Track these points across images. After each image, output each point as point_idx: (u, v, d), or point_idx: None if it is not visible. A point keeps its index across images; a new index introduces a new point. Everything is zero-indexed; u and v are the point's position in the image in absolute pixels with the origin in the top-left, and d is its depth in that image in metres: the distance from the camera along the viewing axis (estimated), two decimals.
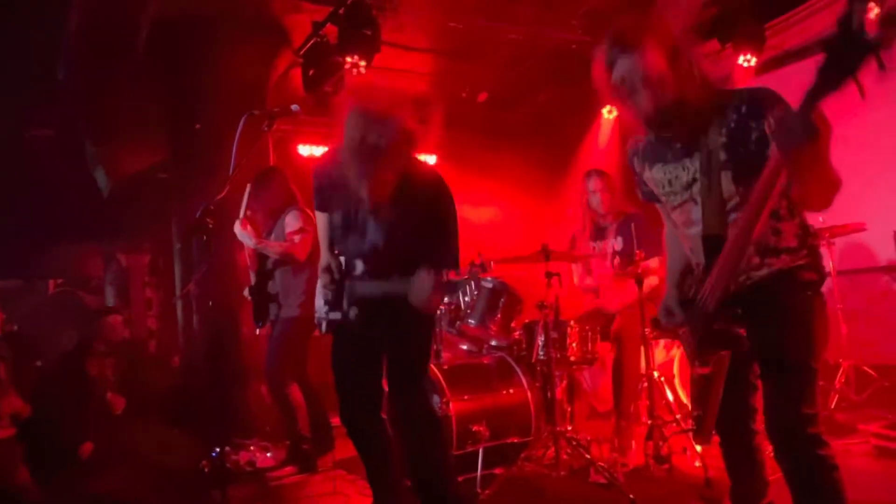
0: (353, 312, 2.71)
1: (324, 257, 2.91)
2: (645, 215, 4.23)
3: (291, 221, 4.19)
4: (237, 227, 4.11)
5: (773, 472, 2.15)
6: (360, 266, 2.72)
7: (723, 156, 1.91)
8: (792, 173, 1.72)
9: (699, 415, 2.05)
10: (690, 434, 2.53)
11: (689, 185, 2.02)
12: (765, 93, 1.89)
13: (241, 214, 4.14)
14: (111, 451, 4.35)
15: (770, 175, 1.70)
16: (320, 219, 2.93)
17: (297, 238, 4.13)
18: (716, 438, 2.25)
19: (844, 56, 1.41)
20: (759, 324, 1.94)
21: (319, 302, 2.90)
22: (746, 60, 5.32)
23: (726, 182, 1.92)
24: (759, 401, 2.11)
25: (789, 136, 1.58)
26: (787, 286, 1.94)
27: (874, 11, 4.64)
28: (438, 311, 4.10)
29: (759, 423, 2.14)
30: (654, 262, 4.02)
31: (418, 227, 2.63)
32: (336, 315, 2.78)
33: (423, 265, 2.45)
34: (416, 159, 2.78)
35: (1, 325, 5.04)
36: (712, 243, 1.92)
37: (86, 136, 6.99)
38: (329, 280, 2.82)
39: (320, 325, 2.88)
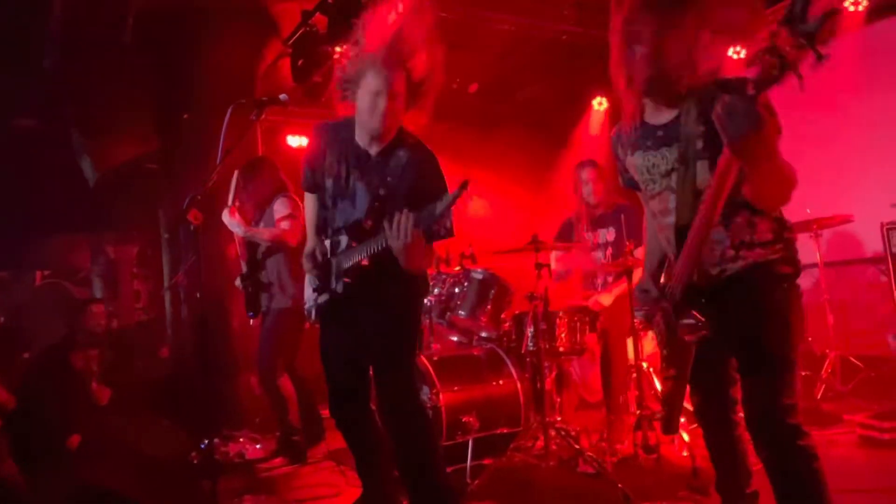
0: (339, 286, 2.70)
1: (310, 242, 2.89)
2: (636, 207, 4.24)
3: (280, 208, 4.18)
4: (225, 216, 4.08)
5: (757, 463, 2.17)
6: (344, 240, 2.71)
7: (700, 144, 1.92)
8: (742, 165, 1.74)
9: (667, 413, 2.11)
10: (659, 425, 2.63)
11: (667, 174, 2.03)
12: (743, 85, 1.89)
13: (230, 202, 4.11)
14: (100, 443, 4.33)
15: (725, 165, 1.73)
16: (309, 201, 2.91)
17: (285, 224, 4.11)
18: (700, 430, 2.27)
19: (785, 46, 1.45)
20: (735, 317, 1.95)
21: (308, 291, 2.89)
22: (736, 52, 5.33)
23: (702, 171, 1.93)
24: (738, 392, 2.12)
25: (733, 124, 1.60)
26: (762, 279, 1.95)
27: (862, 5, 4.68)
28: (429, 302, 4.10)
29: (741, 414, 2.16)
30: (640, 253, 4.04)
31: (405, 195, 2.59)
32: (324, 297, 2.77)
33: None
34: (408, 132, 2.74)
35: None
36: (684, 233, 1.93)
37: (72, 125, 6.92)
38: (314, 264, 2.80)
39: (310, 313, 2.87)
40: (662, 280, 2.16)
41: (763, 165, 1.72)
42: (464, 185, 2.20)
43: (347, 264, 2.66)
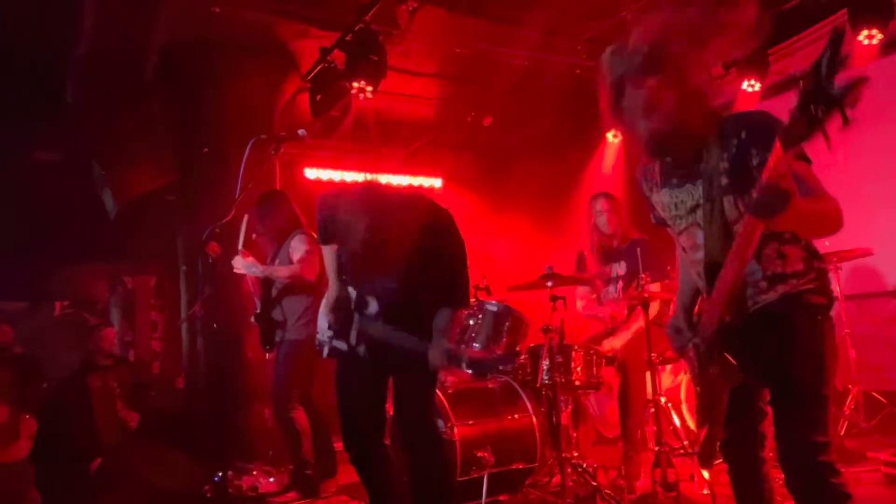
0: (362, 349, 2.71)
1: (333, 288, 2.90)
2: (651, 241, 4.22)
3: (297, 245, 4.19)
4: (238, 261, 4.03)
5: (783, 501, 2.12)
6: (373, 305, 2.72)
7: (724, 181, 1.92)
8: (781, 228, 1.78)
9: (706, 446, 2.06)
10: (696, 457, 2.55)
11: (693, 210, 2.03)
12: (764, 120, 1.89)
13: (240, 246, 4.08)
14: (119, 470, 4.34)
15: (748, 229, 1.75)
16: (327, 252, 2.93)
17: (304, 260, 4.12)
18: (724, 465, 2.22)
19: (812, 108, 1.45)
20: (768, 350, 1.93)
21: (323, 324, 2.88)
22: (751, 85, 5.36)
23: (729, 207, 1.92)
24: (768, 427, 2.08)
25: (765, 211, 1.63)
26: (795, 310, 1.93)
27: (876, 38, 4.70)
28: None
29: (769, 451, 2.12)
30: (654, 287, 4.01)
31: (430, 267, 2.64)
32: (341, 345, 2.77)
33: (437, 324, 2.54)
34: (425, 199, 2.80)
35: (10, 341, 5.06)
36: (713, 269, 1.92)
37: (94, 158, 7.05)
38: (338, 313, 2.81)
39: (322, 347, 2.86)
40: (696, 314, 2.13)
41: (799, 225, 1.77)
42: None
43: (374, 333, 2.69)
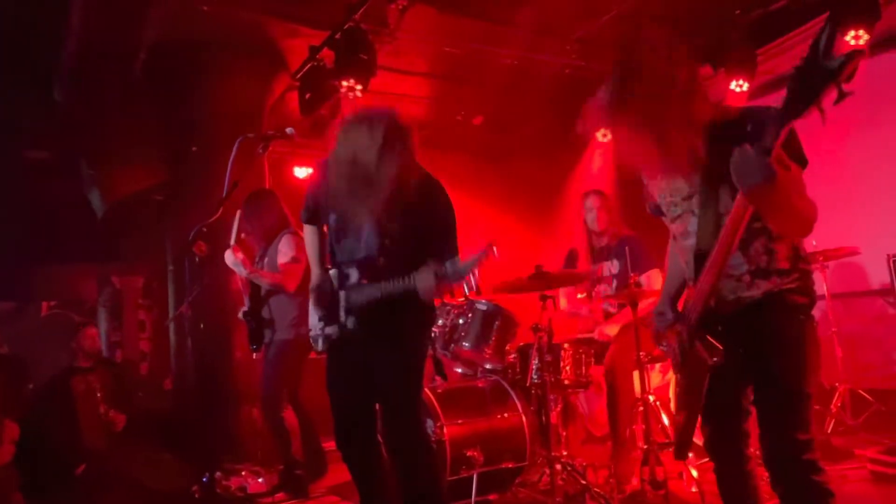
0: (350, 322, 2.69)
1: (314, 275, 2.88)
2: (641, 238, 4.23)
3: (284, 249, 4.18)
4: (228, 256, 4.03)
5: (769, 498, 2.13)
6: (354, 275, 2.70)
7: (723, 171, 1.91)
8: (757, 209, 1.78)
9: (679, 439, 2.08)
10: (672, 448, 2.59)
11: (689, 197, 2.05)
12: (771, 114, 1.88)
13: (232, 242, 4.08)
14: (105, 472, 4.30)
15: (740, 207, 1.77)
16: (308, 233, 2.91)
17: (287, 269, 4.12)
18: (710, 464, 2.23)
19: (809, 82, 1.47)
20: (750, 349, 1.95)
21: (314, 319, 2.87)
22: (739, 86, 5.38)
23: (725, 196, 1.93)
24: (752, 426, 2.10)
25: (745, 175, 1.64)
26: (778, 309, 1.95)
27: (863, 39, 4.74)
28: (433, 333, 4.08)
29: (754, 448, 2.13)
30: (654, 275, 4.02)
31: (416, 231, 2.61)
32: (332, 329, 2.75)
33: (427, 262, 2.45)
34: (414, 163, 2.73)
35: None
36: (702, 257, 1.94)
37: (82, 157, 7.00)
38: (321, 296, 2.80)
39: (316, 342, 2.85)
40: (681, 305, 2.15)
41: (777, 213, 1.76)
42: (489, 248, 2.39)
43: (360, 300, 2.65)
